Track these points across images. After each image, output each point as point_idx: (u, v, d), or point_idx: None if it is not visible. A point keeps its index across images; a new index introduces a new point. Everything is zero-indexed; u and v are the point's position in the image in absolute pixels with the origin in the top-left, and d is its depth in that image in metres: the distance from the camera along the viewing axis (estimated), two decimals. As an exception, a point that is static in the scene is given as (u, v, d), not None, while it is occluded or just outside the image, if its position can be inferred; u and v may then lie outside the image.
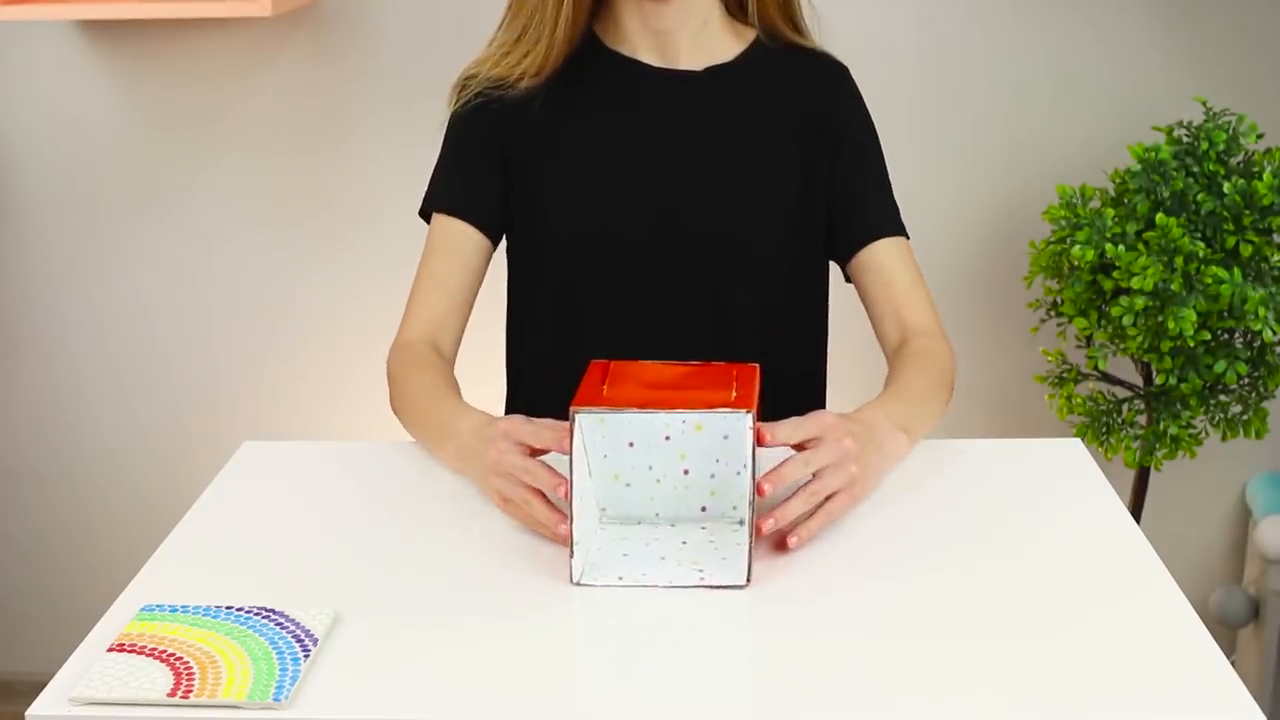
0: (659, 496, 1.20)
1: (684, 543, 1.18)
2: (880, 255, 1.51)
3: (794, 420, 1.18)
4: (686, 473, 1.19)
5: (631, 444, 1.17)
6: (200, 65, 2.31)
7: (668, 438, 1.17)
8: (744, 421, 1.11)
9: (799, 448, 1.18)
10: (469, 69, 1.51)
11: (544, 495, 1.18)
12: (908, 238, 1.54)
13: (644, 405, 1.11)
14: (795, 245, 1.52)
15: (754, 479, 1.11)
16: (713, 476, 1.19)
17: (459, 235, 1.51)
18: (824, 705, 0.98)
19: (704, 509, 1.20)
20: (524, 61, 1.46)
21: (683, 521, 1.21)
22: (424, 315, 1.50)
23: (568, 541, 1.13)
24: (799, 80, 1.52)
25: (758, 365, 1.20)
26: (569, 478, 1.12)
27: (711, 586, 1.12)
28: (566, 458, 1.13)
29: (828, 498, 1.18)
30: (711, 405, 1.12)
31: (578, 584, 1.12)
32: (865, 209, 1.52)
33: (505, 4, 1.49)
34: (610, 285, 1.50)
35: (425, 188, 1.56)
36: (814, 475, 1.17)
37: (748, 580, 1.12)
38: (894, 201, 1.55)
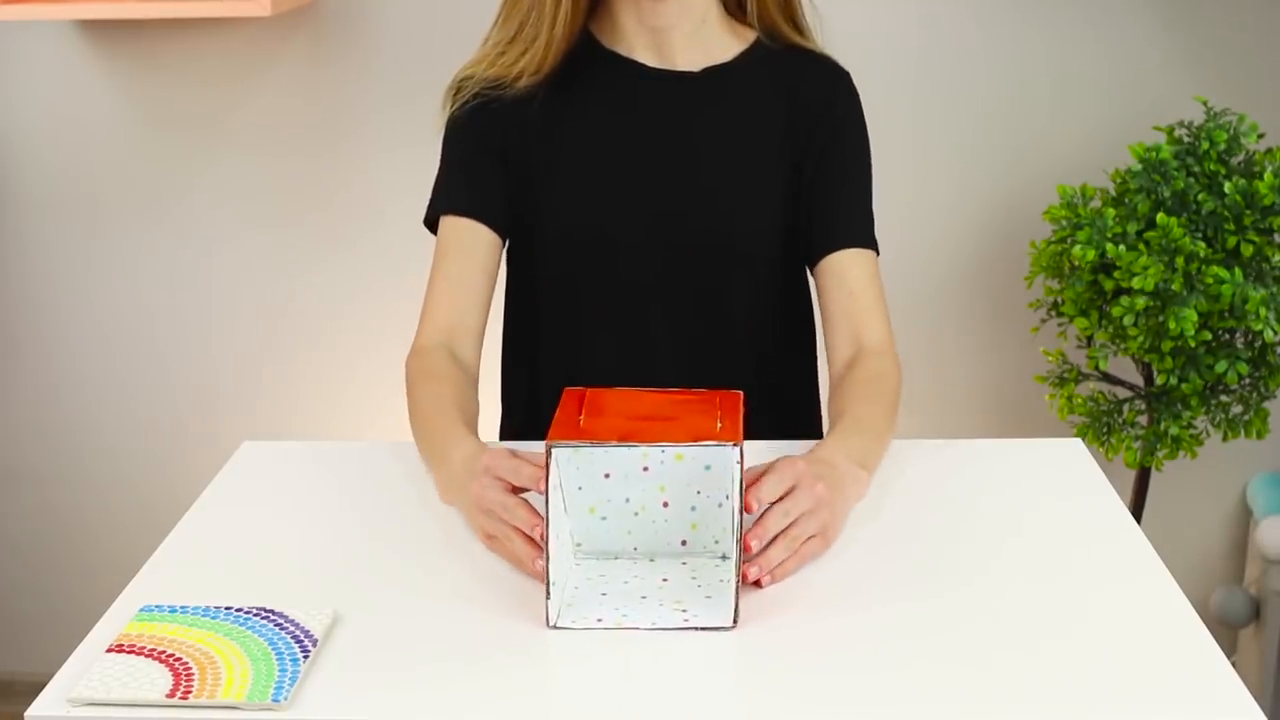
0: (637, 530, 1.15)
1: (665, 580, 1.14)
2: (845, 264, 1.48)
3: (771, 476, 1.15)
4: (666, 505, 1.14)
5: (608, 475, 1.13)
6: (200, 65, 2.31)
7: (646, 469, 1.13)
8: (732, 454, 1.07)
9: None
10: (463, 70, 1.51)
11: (524, 532, 1.15)
12: (878, 253, 1.51)
13: (625, 436, 1.07)
14: (790, 245, 1.52)
15: (740, 513, 1.07)
16: (693, 509, 1.14)
17: (469, 235, 1.49)
18: None
19: (684, 543, 1.16)
20: (521, 60, 1.45)
21: (662, 556, 1.17)
22: (439, 319, 1.47)
23: (544, 579, 1.08)
24: (798, 81, 1.51)
25: (741, 393, 1.16)
26: (545, 514, 1.07)
27: (697, 628, 1.07)
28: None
29: (804, 541, 1.16)
30: (697, 436, 1.07)
31: (554, 627, 1.07)
32: (839, 215, 1.50)
33: (500, 1, 1.49)
34: (607, 285, 1.50)
35: (426, 187, 1.55)
36: (791, 521, 1.15)
37: (735, 621, 1.07)
38: (871, 214, 1.52)
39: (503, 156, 1.50)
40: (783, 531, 1.14)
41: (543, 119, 1.48)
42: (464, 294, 1.48)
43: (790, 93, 1.51)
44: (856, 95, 1.54)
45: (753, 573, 1.12)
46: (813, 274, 1.52)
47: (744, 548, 1.10)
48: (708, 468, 1.12)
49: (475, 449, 1.27)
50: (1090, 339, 2.10)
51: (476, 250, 1.49)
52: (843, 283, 1.47)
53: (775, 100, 1.50)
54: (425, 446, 1.37)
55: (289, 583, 1.16)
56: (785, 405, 1.57)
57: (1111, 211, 1.99)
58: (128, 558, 1.69)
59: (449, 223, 1.50)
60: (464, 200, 1.50)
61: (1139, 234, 1.98)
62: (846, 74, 1.54)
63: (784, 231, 1.51)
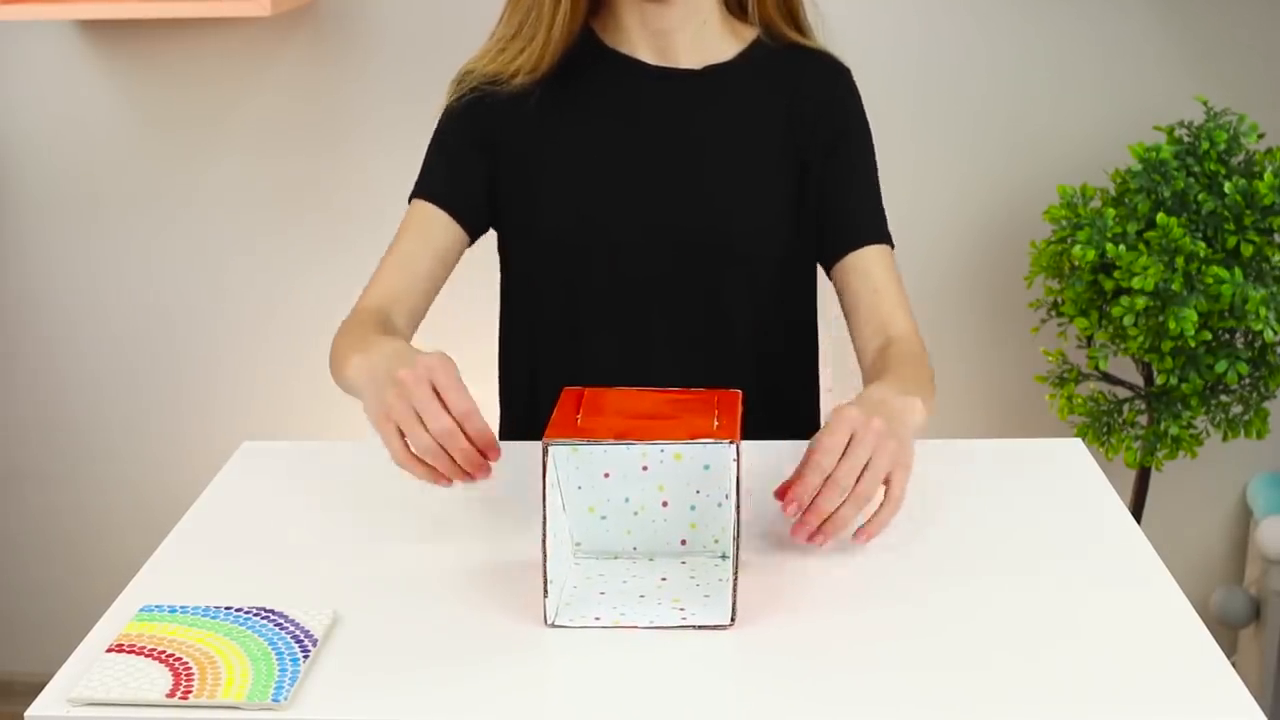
0: (636, 530, 1.16)
1: (663, 579, 1.14)
2: (868, 261, 1.49)
3: (827, 443, 1.14)
4: (665, 505, 1.14)
5: (607, 475, 1.13)
6: (200, 65, 2.31)
7: (645, 468, 1.13)
8: (728, 452, 1.07)
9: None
10: (468, 64, 1.51)
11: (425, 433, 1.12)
12: (893, 245, 1.52)
13: (622, 435, 1.07)
14: (791, 245, 1.52)
15: (738, 511, 1.07)
16: (693, 509, 1.14)
17: (433, 221, 1.49)
18: None
19: (684, 542, 1.16)
20: (519, 58, 1.45)
21: (661, 556, 1.17)
22: (381, 290, 1.46)
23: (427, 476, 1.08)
24: (798, 79, 1.51)
25: (740, 392, 1.16)
26: (543, 513, 1.06)
27: (695, 627, 1.07)
28: (540, 491, 1.07)
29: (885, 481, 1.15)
30: (694, 434, 1.07)
31: (552, 625, 1.07)
32: (856, 213, 1.51)
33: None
34: (606, 284, 1.50)
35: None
36: (862, 470, 1.13)
37: (732, 619, 1.07)
38: (882, 208, 1.54)
39: (493, 153, 1.50)
40: (827, 480, 1.13)
41: (542, 116, 1.48)
42: (411, 274, 1.47)
43: (792, 91, 1.51)
44: (857, 91, 1.55)
45: (817, 539, 1.13)
46: (830, 274, 1.53)
47: (784, 512, 1.11)
48: (707, 467, 1.12)
49: (410, 347, 1.22)
50: (1090, 339, 2.10)
51: (436, 238, 1.49)
52: (867, 280, 1.48)
53: (776, 98, 1.50)
54: (342, 352, 1.31)
55: (289, 583, 1.16)
56: (785, 405, 1.57)
57: (1111, 211, 1.99)
58: (128, 558, 1.69)
59: (418, 205, 1.51)
60: (439, 188, 1.50)
61: (1139, 234, 1.98)
62: (847, 70, 1.54)
63: (785, 231, 1.51)
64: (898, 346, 1.44)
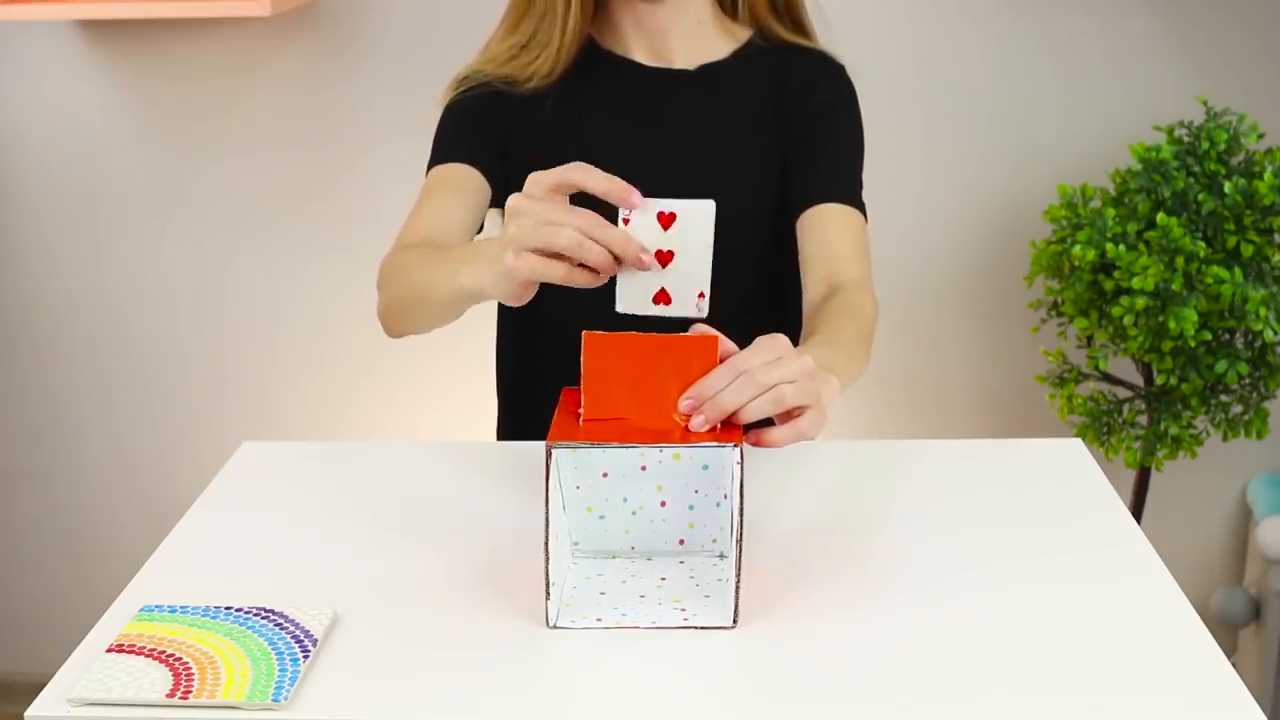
0: (635, 529, 1.15)
1: (663, 579, 1.14)
2: (823, 217, 1.43)
3: (753, 346, 1.09)
4: (664, 504, 1.14)
5: (606, 475, 1.13)
6: (200, 65, 2.31)
7: (644, 468, 1.13)
8: (731, 455, 1.06)
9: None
10: (471, 67, 1.51)
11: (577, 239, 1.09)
12: (864, 213, 1.46)
13: (625, 437, 1.06)
14: (785, 242, 1.52)
15: (741, 515, 1.06)
16: (691, 508, 1.14)
17: (461, 175, 1.46)
18: None
19: (682, 542, 1.16)
20: (535, 63, 1.46)
21: (659, 555, 1.17)
22: (419, 235, 1.41)
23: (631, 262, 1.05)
24: (786, 76, 1.51)
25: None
26: (545, 516, 1.05)
27: (697, 628, 1.07)
28: (537, 491, 1.05)
29: (793, 414, 1.08)
30: (698, 437, 1.06)
31: (554, 627, 1.07)
32: (818, 171, 1.47)
33: (506, 6, 1.49)
34: (605, 284, 1.50)
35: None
36: (773, 384, 1.06)
37: (735, 621, 1.07)
38: (857, 175, 1.49)
39: (506, 143, 1.49)
40: (740, 376, 1.06)
41: (544, 118, 1.49)
42: (446, 219, 1.43)
43: (779, 87, 1.51)
44: (846, 82, 1.53)
45: (696, 422, 1.06)
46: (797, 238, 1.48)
47: (681, 413, 1.06)
48: (705, 467, 1.12)
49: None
50: (1090, 339, 2.10)
51: (467, 188, 1.45)
52: (819, 233, 1.43)
53: (766, 95, 1.51)
54: (438, 260, 1.27)
55: (289, 582, 1.16)
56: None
57: (1111, 211, 1.99)
58: (127, 558, 1.69)
59: (442, 169, 1.47)
60: (463, 149, 1.48)
61: (1139, 234, 1.98)
62: (839, 65, 1.53)
63: (778, 228, 1.51)
64: (840, 296, 1.38)
